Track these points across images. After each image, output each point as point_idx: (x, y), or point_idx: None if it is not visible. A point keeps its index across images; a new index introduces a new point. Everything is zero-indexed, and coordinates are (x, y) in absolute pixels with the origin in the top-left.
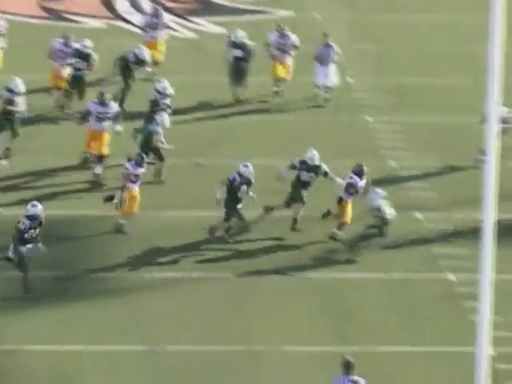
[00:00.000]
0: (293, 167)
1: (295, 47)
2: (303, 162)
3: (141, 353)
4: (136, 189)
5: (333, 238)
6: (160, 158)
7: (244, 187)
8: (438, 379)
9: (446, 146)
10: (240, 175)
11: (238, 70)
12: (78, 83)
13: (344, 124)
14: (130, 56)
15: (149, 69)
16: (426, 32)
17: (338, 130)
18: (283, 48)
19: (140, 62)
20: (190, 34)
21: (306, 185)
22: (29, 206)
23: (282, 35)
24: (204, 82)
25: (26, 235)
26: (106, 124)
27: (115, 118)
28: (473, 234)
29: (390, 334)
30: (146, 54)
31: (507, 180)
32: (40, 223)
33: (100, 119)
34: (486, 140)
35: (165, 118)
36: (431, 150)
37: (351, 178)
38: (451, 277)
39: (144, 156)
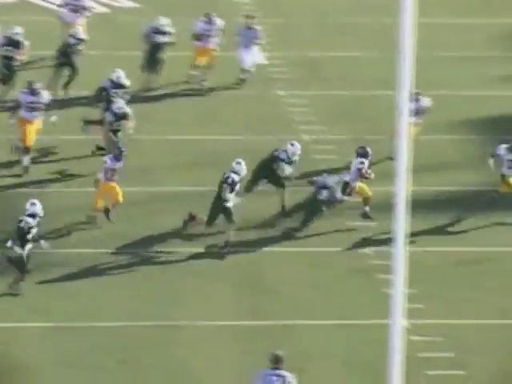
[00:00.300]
0: (282, 159)
1: (221, 32)
2: (286, 155)
3: (58, 329)
4: (113, 182)
5: (366, 216)
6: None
7: (239, 185)
8: (353, 352)
9: (358, 119)
10: (235, 172)
11: (155, 57)
12: (8, 71)
13: (255, 98)
14: (70, 40)
15: (80, 47)
16: (337, 5)
17: (250, 105)
18: (208, 34)
19: (80, 40)
20: (103, 9)
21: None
22: (28, 205)
23: (209, 21)
24: (117, 57)
25: (28, 235)
26: (37, 114)
27: (47, 108)
28: (386, 206)
29: (306, 307)
30: (82, 31)
31: (420, 153)
32: (38, 221)
33: (31, 109)
34: (398, 115)
35: (122, 104)
36: (343, 123)
37: (362, 163)
38: (365, 250)
39: (123, 150)
